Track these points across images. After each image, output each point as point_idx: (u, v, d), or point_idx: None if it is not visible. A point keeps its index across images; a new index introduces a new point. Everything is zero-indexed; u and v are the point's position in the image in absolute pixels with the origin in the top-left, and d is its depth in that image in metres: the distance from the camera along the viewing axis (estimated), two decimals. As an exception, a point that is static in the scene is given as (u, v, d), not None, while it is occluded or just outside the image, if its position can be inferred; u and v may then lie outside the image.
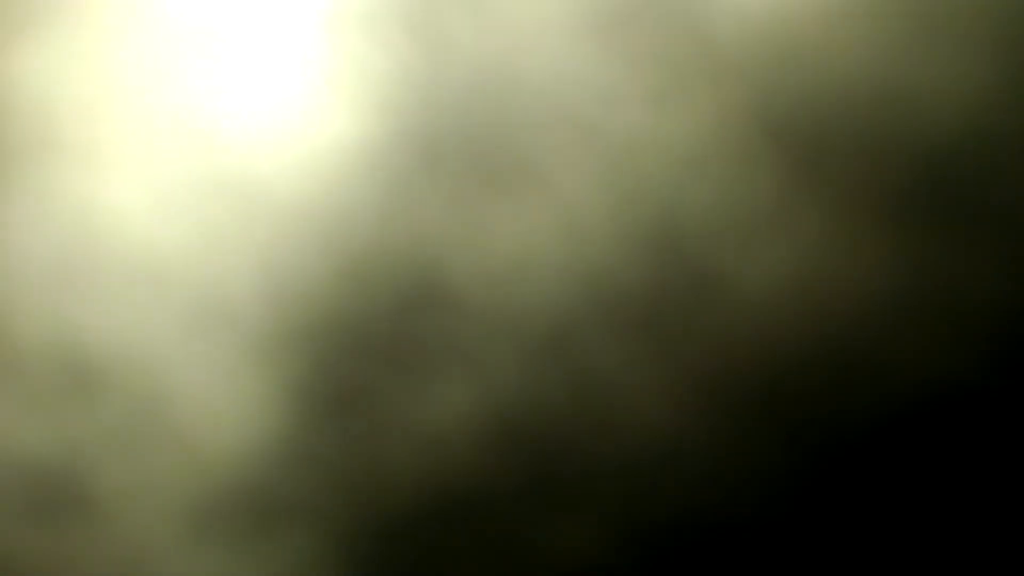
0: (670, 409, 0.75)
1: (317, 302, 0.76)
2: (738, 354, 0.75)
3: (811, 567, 0.75)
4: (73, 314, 0.75)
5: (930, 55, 0.75)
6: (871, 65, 0.75)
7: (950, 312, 0.75)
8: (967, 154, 0.75)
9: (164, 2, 0.76)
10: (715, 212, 0.75)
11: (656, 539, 0.75)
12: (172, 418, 0.75)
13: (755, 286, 0.75)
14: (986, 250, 0.75)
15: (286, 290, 0.76)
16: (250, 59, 0.76)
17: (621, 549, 0.75)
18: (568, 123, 0.75)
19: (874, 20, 0.75)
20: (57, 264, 0.76)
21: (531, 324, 0.75)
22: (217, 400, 0.75)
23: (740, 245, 0.75)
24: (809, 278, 0.75)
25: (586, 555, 0.75)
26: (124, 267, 0.76)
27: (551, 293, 0.75)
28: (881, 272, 0.75)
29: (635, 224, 0.75)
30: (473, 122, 0.75)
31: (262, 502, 0.75)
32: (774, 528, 0.75)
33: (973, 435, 0.75)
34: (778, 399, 0.75)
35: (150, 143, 0.76)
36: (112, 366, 0.75)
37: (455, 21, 0.76)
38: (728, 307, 0.75)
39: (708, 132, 0.75)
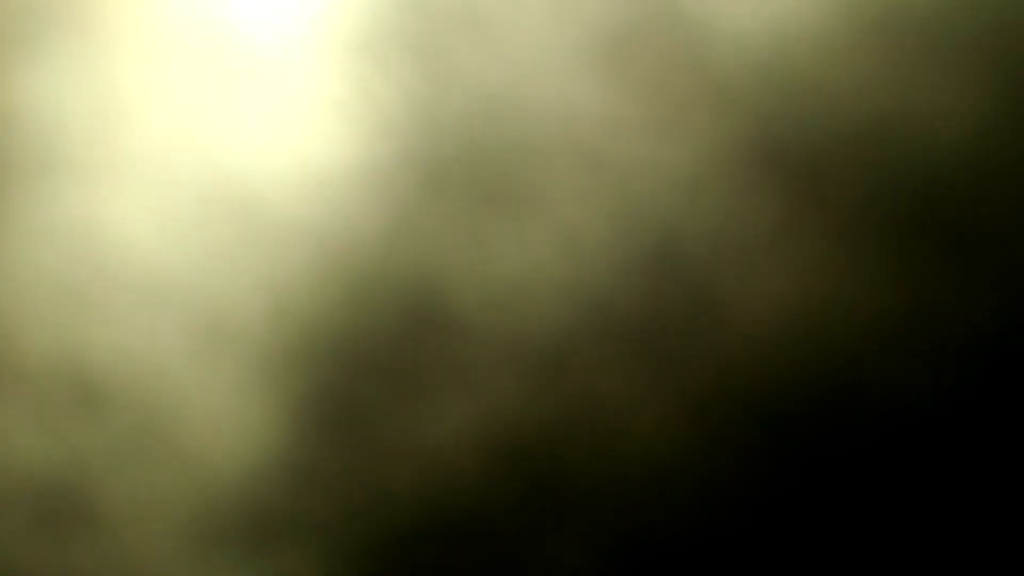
0: (669, 430, 0.75)
1: (320, 322, 0.76)
2: (736, 375, 0.75)
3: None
4: (79, 331, 0.75)
5: (927, 83, 0.75)
6: (869, 93, 0.75)
7: (947, 335, 0.75)
8: (963, 180, 0.75)
9: (171, 23, 0.77)
10: (714, 237, 0.75)
11: (653, 558, 0.75)
12: (176, 434, 0.75)
13: (753, 309, 0.75)
14: (983, 274, 0.75)
15: (290, 310, 0.76)
16: (256, 81, 0.76)
17: (619, 568, 0.75)
18: (570, 149, 0.75)
19: (872, 49, 0.75)
20: (63, 281, 0.76)
21: (531, 345, 0.75)
22: (220, 417, 0.75)
23: (739, 269, 0.75)
24: (807, 301, 0.75)
25: (583, 574, 0.75)
26: (130, 285, 0.76)
27: (551, 315, 0.75)
28: (878, 296, 0.75)
29: (635, 248, 0.75)
30: (476, 147, 0.76)
31: (264, 518, 0.75)
32: (770, 547, 0.75)
33: (970, 455, 0.76)
34: (775, 420, 0.75)
35: (156, 163, 0.76)
36: (117, 382, 0.75)
37: (460, 48, 0.76)
38: (726, 329, 0.75)
39: (708, 158, 0.75)
